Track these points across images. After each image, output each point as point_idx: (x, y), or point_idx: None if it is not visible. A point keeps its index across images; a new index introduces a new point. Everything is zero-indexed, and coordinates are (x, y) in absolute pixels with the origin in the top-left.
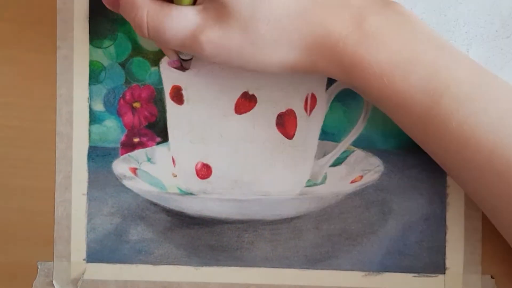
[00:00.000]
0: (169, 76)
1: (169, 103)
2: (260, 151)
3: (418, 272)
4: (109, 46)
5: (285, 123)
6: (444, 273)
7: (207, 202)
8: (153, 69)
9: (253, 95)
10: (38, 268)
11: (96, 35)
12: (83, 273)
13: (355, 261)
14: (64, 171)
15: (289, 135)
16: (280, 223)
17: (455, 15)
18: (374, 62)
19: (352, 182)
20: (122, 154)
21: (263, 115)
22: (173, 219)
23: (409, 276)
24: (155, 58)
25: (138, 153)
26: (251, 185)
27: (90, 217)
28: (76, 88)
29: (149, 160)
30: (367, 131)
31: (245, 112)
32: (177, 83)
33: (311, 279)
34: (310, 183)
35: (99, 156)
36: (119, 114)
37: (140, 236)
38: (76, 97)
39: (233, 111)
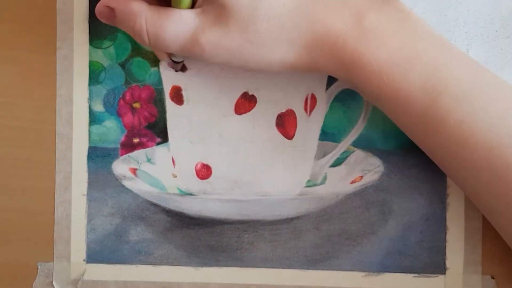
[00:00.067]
0: (169, 76)
1: (169, 104)
2: (260, 151)
3: (418, 273)
4: (109, 47)
5: (285, 124)
6: (444, 273)
7: (207, 202)
8: (153, 69)
9: (253, 96)
10: (38, 269)
11: (96, 35)
12: (83, 274)
13: (355, 261)
14: (64, 171)
15: (289, 136)
16: (280, 224)
17: (455, 15)
18: (374, 59)
19: (352, 182)
20: (122, 155)
21: (263, 116)
22: (173, 220)
23: (409, 277)
24: (155, 58)
25: (138, 153)
26: (251, 186)
27: (90, 217)
28: (76, 89)
29: (149, 160)
30: (367, 131)
31: (245, 112)
32: (177, 84)
33: (311, 280)
34: (310, 184)
35: (99, 156)
36: (119, 115)
37: (140, 236)
38: (76, 98)
39: (233, 112)
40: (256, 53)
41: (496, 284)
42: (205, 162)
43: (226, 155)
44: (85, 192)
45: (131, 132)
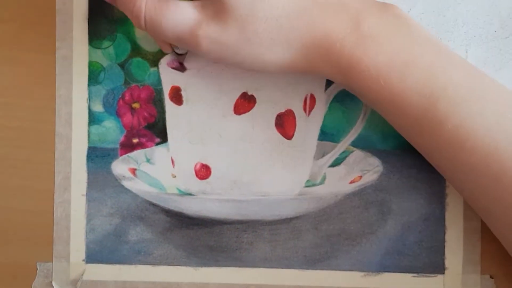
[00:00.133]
0: (168, 76)
1: (168, 104)
2: (259, 151)
3: (417, 272)
4: (108, 47)
5: (284, 124)
6: (443, 273)
7: (206, 202)
8: (152, 69)
9: (252, 96)
10: (37, 269)
11: (95, 35)
12: (82, 274)
13: (354, 261)
14: (63, 171)
15: (288, 136)
16: (279, 224)
17: (454, 16)
18: (371, 64)
19: (351, 182)
20: (121, 155)
21: (262, 116)
22: (172, 220)
23: (408, 276)
24: (155, 58)
25: (137, 153)
26: (250, 186)
27: (89, 217)
28: (76, 89)
29: (148, 160)
30: (366, 132)
31: (244, 112)
32: (176, 84)
33: (310, 280)
34: (309, 184)
35: (98, 156)
36: (118, 115)
37: (139, 236)
38: (75, 98)
39: (232, 112)
40: (252, 52)
41: (495, 284)
42: (204, 162)
43: (226, 155)
44: (84, 192)
45: (131, 132)
